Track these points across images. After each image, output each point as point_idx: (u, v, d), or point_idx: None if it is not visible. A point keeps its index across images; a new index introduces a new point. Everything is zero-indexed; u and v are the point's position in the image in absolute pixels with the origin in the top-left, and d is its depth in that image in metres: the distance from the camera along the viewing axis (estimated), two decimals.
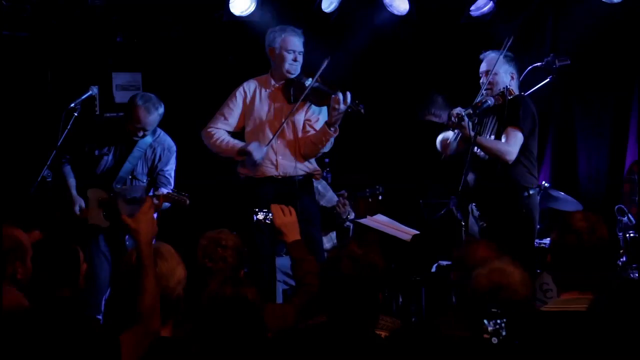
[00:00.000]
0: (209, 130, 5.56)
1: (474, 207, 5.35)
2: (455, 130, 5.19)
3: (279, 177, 5.39)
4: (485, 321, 2.50)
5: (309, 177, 5.48)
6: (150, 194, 5.56)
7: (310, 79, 5.34)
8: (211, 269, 3.57)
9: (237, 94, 5.56)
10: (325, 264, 3.07)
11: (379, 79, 7.28)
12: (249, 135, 5.50)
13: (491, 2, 6.31)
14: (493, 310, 2.52)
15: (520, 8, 6.57)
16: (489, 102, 5.16)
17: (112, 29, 6.85)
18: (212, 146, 5.56)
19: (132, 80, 7.30)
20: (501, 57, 5.24)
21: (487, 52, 5.37)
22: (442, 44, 7.09)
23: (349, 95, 5.18)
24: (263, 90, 5.50)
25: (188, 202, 5.63)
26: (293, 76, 5.40)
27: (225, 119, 5.53)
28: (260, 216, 4.01)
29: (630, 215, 5.66)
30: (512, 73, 5.30)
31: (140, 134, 5.65)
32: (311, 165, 5.49)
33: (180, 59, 7.30)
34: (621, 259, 5.54)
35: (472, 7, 6.40)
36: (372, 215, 5.68)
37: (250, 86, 5.55)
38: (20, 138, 6.48)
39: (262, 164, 5.39)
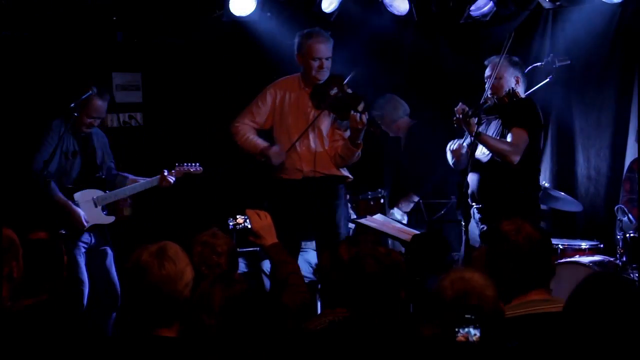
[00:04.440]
0: (235, 125, 5.56)
1: (475, 210, 5.35)
2: (461, 138, 5.19)
3: (302, 179, 5.42)
4: (457, 328, 2.51)
5: (334, 179, 5.47)
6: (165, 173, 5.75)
7: (335, 89, 5.31)
8: (207, 275, 3.58)
9: (268, 93, 5.55)
10: (348, 263, 3.11)
11: (379, 79, 7.28)
12: (276, 137, 5.51)
13: (491, 2, 6.30)
14: (466, 316, 2.53)
15: (520, 8, 6.56)
16: (489, 102, 5.16)
17: (112, 28, 6.85)
18: (237, 141, 5.58)
19: (132, 80, 7.31)
20: (504, 60, 5.23)
21: (492, 57, 5.37)
22: (442, 44, 7.09)
23: (365, 117, 5.18)
24: (292, 93, 5.48)
25: (202, 169, 5.91)
26: (321, 82, 5.39)
27: (253, 116, 5.54)
28: (240, 220, 4.04)
29: (630, 215, 5.66)
30: (517, 77, 5.29)
31: (94, 125, 5.67)
32: (336, 172, 5.48)
33: (180, 59, 7.31)
34: (621, 259, 5.54)
35: (472, 7, 6.39)
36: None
37: (281, 87, 5.54)
38: (20, 138, 6.47)
39: (287, 169, 5.40)
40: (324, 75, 5.38)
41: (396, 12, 6.53)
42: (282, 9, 6.78)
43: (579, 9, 6.29)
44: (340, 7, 6.49)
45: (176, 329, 2.79)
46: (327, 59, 5.37)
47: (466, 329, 2.50)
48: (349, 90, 5.32)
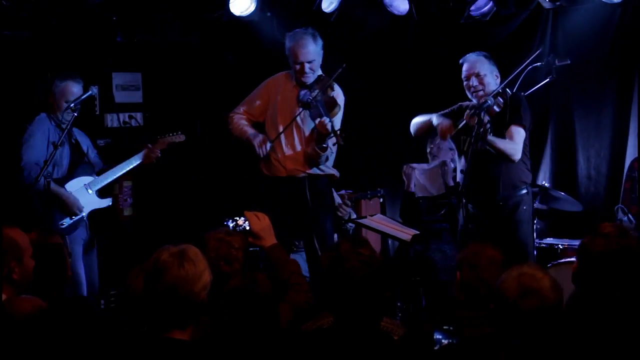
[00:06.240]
0: (231, 114, 5.56)
1: (470, 206, 5.35)
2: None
3: (287, 177, 5.40)
4: (439, 336, 2.50)
5: (317, 177, 5.44)
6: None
7: (317, 90, 5.29)
8: (228, 272, 3.58)
9: (264, 87, 5.54)
10: (331, 264, 3.09)
11: (379, 79, 7.28)
12: (266, 131, 5.51)
13: (491, 2, 6.30)
14: (445, 327, 2.53)
15: (520, 8, 6.56)
16: (489, 102, 5.16)
17: (112, 29, 6.85)
18: (230, 129, 5.55)
19: (132, 80, 7.31)
20: (481, 58, 5.28)
21: (467, 56, 5.38)
22: (442, 44, 7.09)
23: (329, 124, 5.12)
24: (284, 89, 5.47)
25: (184, 137, 5.97)
26: (307, 84, 5.37)
27: (247, 105, 5.54)
28: (240, 222, 4.05)
29: (630, 215, 5.66)
30: (496, 74, 5.31)
31: (69, 113, 5.61)
32: (319, 170, 5.44)
33: (180, 59, 7.31)
34: None
35: (472, 7, 6.39)
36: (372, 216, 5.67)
37: (277, 82, 5.52)
38: (20, 138, 6.47)
39: (273, 164, 5.40)
40: (309, 78, 5.34)
41: (396, 12, 6.53)
42: (282, 9, 6.78)
43: (579, 9, 6.29)
44: (340, 7, 6.49)
45: (189, 333, 2.79)
46: (308, 62, 5.32)
47: (445, 340, 2.49)
48: (331, 94, 5.29)
